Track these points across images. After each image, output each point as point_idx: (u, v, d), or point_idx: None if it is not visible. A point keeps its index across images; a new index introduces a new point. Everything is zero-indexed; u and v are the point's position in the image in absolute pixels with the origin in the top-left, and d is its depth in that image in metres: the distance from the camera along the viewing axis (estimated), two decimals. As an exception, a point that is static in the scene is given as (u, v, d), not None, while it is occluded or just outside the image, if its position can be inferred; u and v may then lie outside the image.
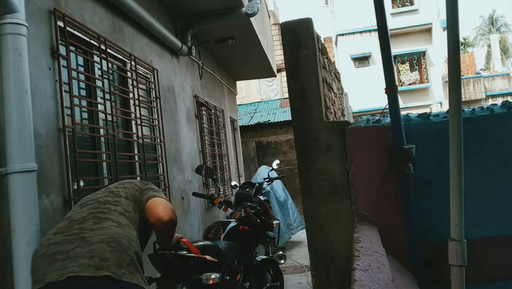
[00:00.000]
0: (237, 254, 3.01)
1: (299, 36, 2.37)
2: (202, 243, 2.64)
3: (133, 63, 3.70)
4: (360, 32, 19.76)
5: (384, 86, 2.11)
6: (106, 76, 3.19)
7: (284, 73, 12.68)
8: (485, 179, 2.15)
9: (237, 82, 9.05)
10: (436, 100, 19.08)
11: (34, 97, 2.25)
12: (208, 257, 2.38)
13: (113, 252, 1.52)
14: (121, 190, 1.87)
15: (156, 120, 4.16)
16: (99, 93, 3.13)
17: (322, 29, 23.34)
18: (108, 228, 1.63)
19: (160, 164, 4.17)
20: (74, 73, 2.81)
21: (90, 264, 1.46)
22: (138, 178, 3.67)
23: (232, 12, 4.91)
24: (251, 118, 11.80)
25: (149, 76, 4.14)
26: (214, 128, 6.53)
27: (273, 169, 5.59)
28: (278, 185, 6.68)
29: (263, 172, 6.35)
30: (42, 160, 2.31)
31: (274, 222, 4.35)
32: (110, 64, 3.27)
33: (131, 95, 3.66)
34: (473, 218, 2.02)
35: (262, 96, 15.85)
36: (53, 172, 2.42)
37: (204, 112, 6.04)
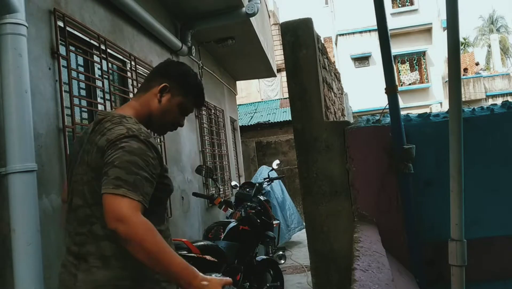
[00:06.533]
0: (237, 254, 3.01)
1: (299, 36, 2.36)
2: (202, 243, 2.65)
3: (133, 63, 3.70)
4: (360, 32, 19.75)
5: (384, 86, 2.11)
6: (106, 76, 3.19)
7: (284, 73, 12.68)
8: (485, 179, 2.14)
9: (237, 82, 9.05)
10: (436, 100, 19.07)
11: (34, 97, 2.25)
12: (208, 257, 2.38)
13: None
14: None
15: (156, 120, 4.15)
16: (99, 93, 3.13)
17: (322, 29, 23.33)
18: None
19: (160, 164, 4.17)
20: (74, 73, 2.81)
21: None
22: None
23: (232, 12, 4.91)
24: (251, 118, 11.80)
25: (149, 76, 4.13)
26: (214, 128, 6.53)
27: (273, 169, 5.59)
28: (277, 186, 6.67)
29: (263, 172, 6.35)
30: (42, 160, 2.31)
31: (274, 222, 4.36)
32: (110, 64, 3.27)
33: (131, 95, 3.66)
34: (473, 218, 2.02)
35: (262, 96, 15.84)
36: (53, 172, 2.42)
37: (204, 112, 6.04)
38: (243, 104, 13.56)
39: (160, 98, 1.46)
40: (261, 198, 4.31)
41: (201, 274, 1.20)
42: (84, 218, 1.32)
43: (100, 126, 1.35)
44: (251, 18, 5.21)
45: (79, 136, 1.49)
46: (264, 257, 3.64)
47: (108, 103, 3.18)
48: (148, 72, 4.06)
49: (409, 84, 19.45)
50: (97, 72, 3.13)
